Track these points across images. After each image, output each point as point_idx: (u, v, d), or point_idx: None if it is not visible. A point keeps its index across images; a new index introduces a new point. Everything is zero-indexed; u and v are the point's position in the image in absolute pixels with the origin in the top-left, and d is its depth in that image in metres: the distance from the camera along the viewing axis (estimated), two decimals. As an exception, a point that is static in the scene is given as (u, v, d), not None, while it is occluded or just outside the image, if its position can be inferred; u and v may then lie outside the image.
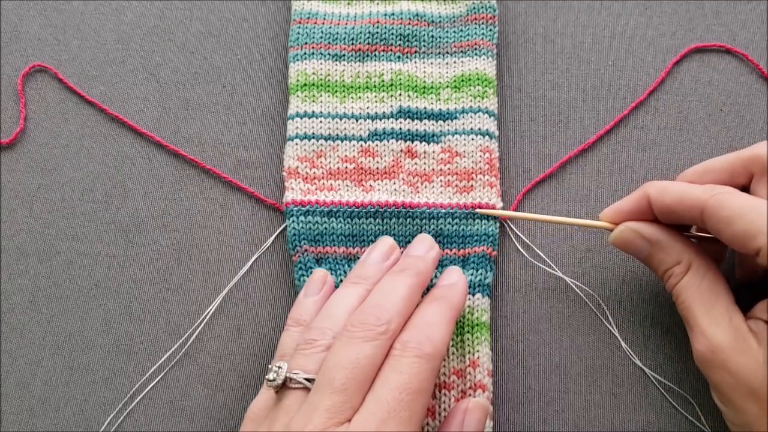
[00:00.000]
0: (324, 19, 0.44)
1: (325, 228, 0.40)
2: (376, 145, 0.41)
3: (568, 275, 0.40)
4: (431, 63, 0.43)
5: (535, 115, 0.43)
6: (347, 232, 0.40)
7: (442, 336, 0.32)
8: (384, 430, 0.29)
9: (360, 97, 0.42)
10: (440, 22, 0.44)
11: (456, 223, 0.40)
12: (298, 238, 0.39)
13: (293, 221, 0.40)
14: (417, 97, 0.42)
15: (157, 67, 0.45)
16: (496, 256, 0.40)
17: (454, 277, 0.36)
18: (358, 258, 0.39)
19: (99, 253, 0.41)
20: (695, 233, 0.36)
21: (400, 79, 0.42)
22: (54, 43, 0.45)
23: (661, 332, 0.39)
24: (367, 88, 0.43)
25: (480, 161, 0.41)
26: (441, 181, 0.41)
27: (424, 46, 0.43)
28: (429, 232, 0.39)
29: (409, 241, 0.39)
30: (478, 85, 0.42)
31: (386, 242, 0.37)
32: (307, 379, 0.31)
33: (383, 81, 0.43)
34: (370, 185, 0.41)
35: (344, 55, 0.43)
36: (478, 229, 0.40)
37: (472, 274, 0.39)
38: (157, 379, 0.39)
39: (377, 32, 0.43)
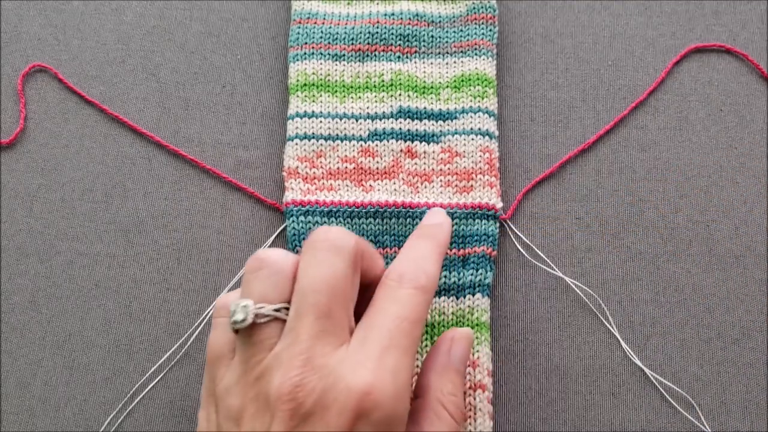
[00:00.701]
0: (324, 19, 0.44)
1: (325, 228, 0.40)
2: (376, 145, 0.41)
3: (568, 275, 0.40)
4: (431, 63, 0.43)
5: (535, 115, 0.43)
6: (347, 232, 0.40)
7: (434, 271, 0.32)
8: (386, 356, 0.28)
9: (360, 97, 0.42)
10: (440, 22, 0.44)
11: (456, 223, 0.40)
12: (298, 238, 0.39)
13: (293, 221, 0.40)
14: (417, 97, 0.42)
15: (157, 67, 0.45)
16: (496, 256, 0.40)
17: (440, 218, 0.36)
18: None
19: (99, 253, 0.41)
20: None
21: (400, 79, 0.42)
22: (54, 43, 0.45)
23: (661, 332, 0.39)
24: (367, 88, 0.43)
25: (480, 161, 0.41)
26: (441, 181, 0.41)
27: (424, 46, 0.43)
28: (429, 232, 0.39)
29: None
30: (478, 85, 0.42)
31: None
32: (277, 309, 0.29)
33: (383, 81, 0.43)
34: (370, 185, 0.41)
35: (344, 55, 0.43)
36: (478, 229, 0.40)
37: (472, 274, 0.39)
38: (157, 379, 0.39)
39: (377, 32, 0.43)
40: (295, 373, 0.27)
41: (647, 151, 0.42)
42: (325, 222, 0.40)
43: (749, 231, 0.41)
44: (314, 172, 0.41)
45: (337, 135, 0.42)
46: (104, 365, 0.39)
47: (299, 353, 0.28)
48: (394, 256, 0.39)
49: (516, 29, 0.45)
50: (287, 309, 0.29)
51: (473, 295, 0.39)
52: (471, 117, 0.42)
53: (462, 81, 0.42)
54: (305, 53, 0.43)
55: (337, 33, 0.44)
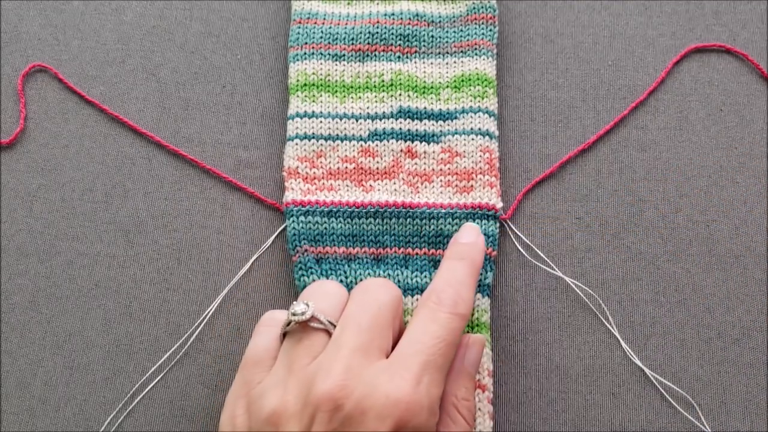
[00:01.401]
0: (324, 19, 0.44)
1: (325, 228, 0.40)
2: (376, 145, 0.41)
3: (568, 275, 0.40)
4: (431, 63, 0.43)
5: (535, 115, 0.43)
6: (347, 232, 0.40)
7: (471, 297, 0.34)
8: (424, 372, 0.30)
9: (360, 97, 0.42)
10: (440, 22, 0.44)
11: (456, 223, 0.40)
12: (298, 238, 0.39)
13: (293, 221, 0.40)
14: (417, 97, 0.42)
15: (157, 67, 0.45)
16: (496, 256, 0.40)
17: (474, 236, 0.37)
18: (358, 258, 0.39)
19: (99, 253, 0.41)
20: None
21: (400, 79, 0.42)
22: (54, 43, 0.45)
23: (661, 332, 0.39)
24: (367, 88, 0.43)
25: (480, 161, 0.41)
26: (441, 181, 0.41)
27: (424, 46, 0.43)
28: (429, 232, 0.39)
29: (410, 241, 0.39)
30: (478, 85, 0.42)
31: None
32: (330, 322, 0.32)
33: (383, 81, 0.43)
34: (370, 185, 0.41)
35: (344, 55, 0.43)
36: (478, 229, 0.40)
37: (472, 274, 0.39)
38: (157, 379, 0.39)
39: (377, 32, 0.43)
40: (338, 378, 0.29)
41: (647, 151, 0.42)
42: (325, 222, 0.40)
43: (749, 231, 0.41)
44: (314, 172, 0.41)
45: (337, 135, 0.42)
46: (104, 365, 0.39)
47: (342, 360, 0.30)
48: (394, 256, 0.39)
49: (516, 29, 0.45)
50: (334, 326, 0.32)
51: (473, 295, 0.39)
52: (471, 117, 0.42)
53: (462, 81, 0.42)
54: (305, 53, 0.43)
55: (337, 33, 0.44)
